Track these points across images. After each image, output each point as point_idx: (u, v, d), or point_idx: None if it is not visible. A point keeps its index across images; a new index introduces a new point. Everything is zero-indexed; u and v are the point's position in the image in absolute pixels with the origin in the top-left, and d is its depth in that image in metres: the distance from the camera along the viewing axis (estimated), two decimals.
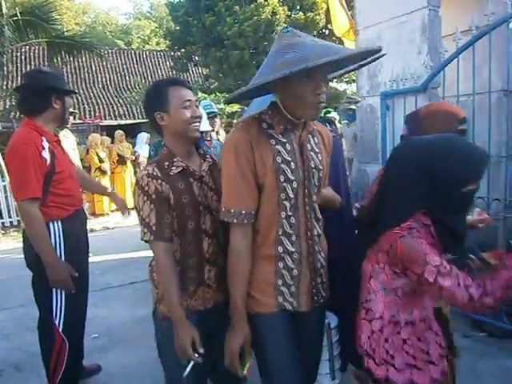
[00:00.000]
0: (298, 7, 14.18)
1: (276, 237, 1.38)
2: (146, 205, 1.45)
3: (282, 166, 1.34)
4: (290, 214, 1.37)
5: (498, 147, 3.44)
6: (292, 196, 1.36)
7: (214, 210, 1.54)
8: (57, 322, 2.21)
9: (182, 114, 1.50)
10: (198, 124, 1.54)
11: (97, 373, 2.70)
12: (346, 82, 23.21)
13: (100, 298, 3.93)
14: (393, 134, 3.40)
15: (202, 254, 1.53)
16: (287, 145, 1.37)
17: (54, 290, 2.18)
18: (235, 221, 1.34)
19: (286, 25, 11.25)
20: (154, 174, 1.46)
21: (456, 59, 2.92)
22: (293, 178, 1.35)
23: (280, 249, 1.39)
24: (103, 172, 8.16)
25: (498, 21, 2.70)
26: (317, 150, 1.45)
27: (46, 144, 2.14)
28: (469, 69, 2.85)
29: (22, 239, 2.27)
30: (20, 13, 8.58)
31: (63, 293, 2.20)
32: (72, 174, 2.37)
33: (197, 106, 1.56)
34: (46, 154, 2.12)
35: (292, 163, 1.36)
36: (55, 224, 2.18)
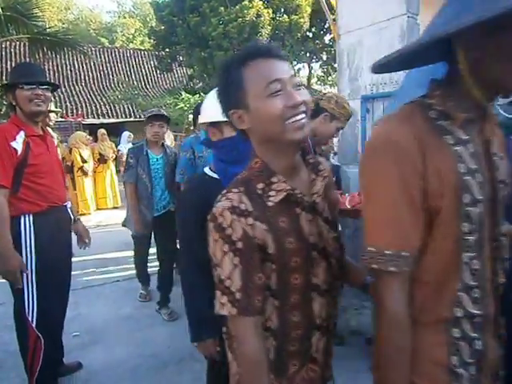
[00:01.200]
0: (282, 10, 14.34)
1: (454, 292, 0.89)
2: (227, 258, 0.92)
3: (467, 178, 0.85)
4: (472, 255, 0.88)
5: None
6: (477, 227, 0.87)
7: (332, 255, 1.05)
8: (30, 318, 2.22)
9: (268, 106, 0.93)
10: (300, 117, 0.94)
11: (77, 370, 2.71)
12: (330, 84, 23.52)
13: (82, 297, 3.93)
14: None
15: (312, 320, 1.04)
16: (470, 145, 0.88)
17: (25, 286, 2.18)
18: (392, 268, 0.85)
19: (270, 27, 11.33)
20: (243, 207, 0.93)
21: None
22: (480, 197, 0.86)
23: (458, 310, 0.89)
24: (85, 172, 8.08)
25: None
26: (501, 154, 0.95)
27: (20, 136, 2.16)
28: None
29: None
30: (1, 8, 8.47)
31: (34, 289, 2.20)
32: (56, 170, 2.39)
33: (297, 87, 0.95)
34: (16, 145, 2.13)
35: (478, 174, 0.87)
36: (26, 218, 2.19)
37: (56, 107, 4.81)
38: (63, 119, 12.21)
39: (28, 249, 2.18)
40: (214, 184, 1.45)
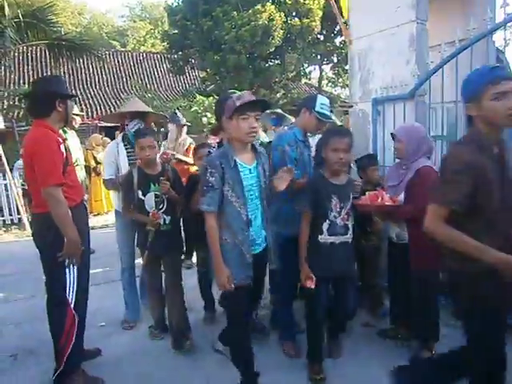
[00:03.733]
0: (294, 14, 14.49)
1: None
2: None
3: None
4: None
5: None
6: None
7: None
8: (69, 298, 2.45)
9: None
10: None
11: (97, 356, 2.90)
12: (341, 86, 23.57)
13: (105, 291, 4.11)
14: (383, 137, 3.64)
15: None
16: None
17: (67, 268, 2.42)
18: None
19: (282, 30, 11.47)
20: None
21: (441, 69, 3.18)
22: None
23: None
24: (98, 173, 8.28)
25: (478, 35, 2.96)
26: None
27: (60, 140, 2.44)
28: (454, 77, 3.10)
29: (31, 228, 2.53)
30: (22, 15, 8.77)
31: (75, 271, 2.45)
32: (74, 168, 2.70)
33: None
34: (62, 148, 2.42)
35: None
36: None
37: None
38: (80, 122, 12.50)
39: None
40: None
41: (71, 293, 2.45)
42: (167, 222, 2.94)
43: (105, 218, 8.14)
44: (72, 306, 2.46)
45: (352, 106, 4.14)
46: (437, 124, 3.59)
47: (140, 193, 2.90)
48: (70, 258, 2.40)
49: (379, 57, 3.74)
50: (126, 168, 3.18)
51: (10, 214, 7.94)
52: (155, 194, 2.91)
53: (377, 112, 3.75)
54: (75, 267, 2.45)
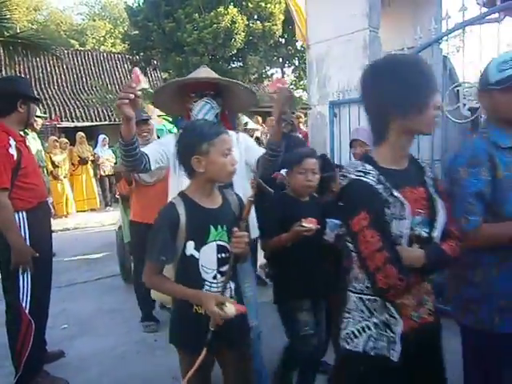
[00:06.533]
0: (256, 17, 14.67)
1: None
2: None
3: None
4: None
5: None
6: None
7: None
8: (23, 305, 2.42)
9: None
10: None
11: (59, 357, 2.89)
12: (302, 88, 23.99)
13: (66, 294, 4.08)
14: (340, 138, 3.83)
15: None
16: None
17: (20, 274, 2.39)
18: None
19: (244, 33, 11.57)
20: None
21: None
22: None
23: None
24: (55, 177, 8.10)
25: (424, 44, 3.19)
26: None
27: (12, 142, 2.38)
28: None
29: None
30: None
31: (29, 276, 2.42)
32: (36, 170, 2.64)
33: None
34: (12, 151, 2.35)
35: None
36: (20, 214, 2.40)
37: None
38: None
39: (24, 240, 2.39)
40: None
41: (25, 299, 2.42)
42: (233, 294, 1.61)
43: (65, 221, 7.97)
44: (27, 310, 2.42)
45: (311, 108, 4.31)
46: None
47: (192, 245, 1.54)
48: (18, 265, 2.36)
49: (335, 62, 3.93)
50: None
51: None
52: (219, 246, 1.56)
53: (333, 114, 3.93)
54: (28, 273, 2.40)
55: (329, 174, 2.41)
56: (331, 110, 3.94)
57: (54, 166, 8.07)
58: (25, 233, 2.41)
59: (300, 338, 2.05)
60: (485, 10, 3.04)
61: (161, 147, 2.02)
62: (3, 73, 14.42)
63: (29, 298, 2.43)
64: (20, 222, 2.40)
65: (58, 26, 31.87)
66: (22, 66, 14.78)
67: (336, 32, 3.90)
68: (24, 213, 2.41)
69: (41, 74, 16.63)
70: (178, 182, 1.89)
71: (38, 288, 2.47)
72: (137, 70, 1.66)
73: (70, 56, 18.36)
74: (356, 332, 1.26)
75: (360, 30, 3.72)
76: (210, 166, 1.51)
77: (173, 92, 2.13)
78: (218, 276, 1.55)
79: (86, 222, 7.94)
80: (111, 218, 7.47)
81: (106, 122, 14.53)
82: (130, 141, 1.72)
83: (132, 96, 1.54)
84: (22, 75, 15.18)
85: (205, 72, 2.16)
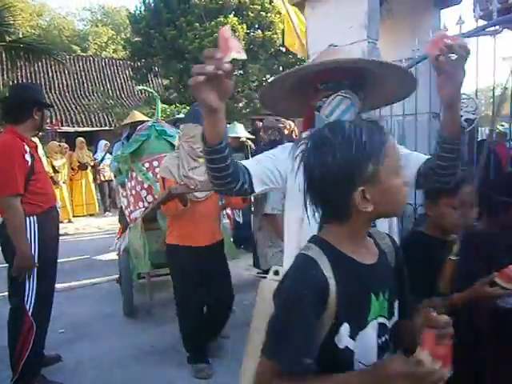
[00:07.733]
0: (256, 26, 14.81)
1: None
2: None
3: None
4: None
5: None
6: None
7: None
8: (27, 307, 2.45)
9: None
10: None
11: (56, 362, 2.89)
12: None
13: (64, 298, 4.08)
14: None
15: None
16: None
17: (27, 279, 2.42)
18: None
19: (244, 42, 11.73)
20: None
21: None
22: None
23: None
24: (55, 182, 8.10)
25: (421, 56, 3.24)
26: None
27: (27, 148, 2.45)
28: None
29: None
30: None
31: (35, 282, 2.46)
32: (46, 175, 2.72)
33: None
34: (27, 157, 2.43)
35: None
36: (31, 219, 2.45)
37: None
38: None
39: (32, 245, 2.44)
40: None
41: (29, 302, 2.45)
42: None
43: (64, 226, 7.96)
44: (30, 313, 2.46)
45: None
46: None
47: (347, 330, 0.88)
48: (21, 271, 2.39)
49: None
50: None
51: None
52: (380, 325, 0.95)
53: None
54: (34, 277, 2.45)
55: None
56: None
57: (55, 170, 8.08)
58: (34, 236, 2.46)
59: None
60: (481, 22, 3.10)
61: (271, 162, 1.42)
62: (5, 77, 14.54)
63: (33, 301, 2.47)
64: (30, 226, 2.45)
65: (61, 31, 32.07)
66: (24, 71, 14.91)
67: (335, 42, 3.95)
68: (35, 217, 2.46)
69: (42, 79, 16.72)
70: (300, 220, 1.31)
71: (44, 292, 2.52)
72: (226, 29, 1.03)
73: (72, 61, 18.48)
74: None
75: (359, 41, 3.77)
76: (381, 198, 0.89)
77: (290, 85, 1.48)
78: None
79: (84, 227, 7.96)
80: (109, 224, 7.48)
81: (107, 128, 14.59)
82: (215, 145, 1.10)
83: (212, 70, 0.96)
84: (24, 80, 15.33)
85: (335, 53, 1.50)
